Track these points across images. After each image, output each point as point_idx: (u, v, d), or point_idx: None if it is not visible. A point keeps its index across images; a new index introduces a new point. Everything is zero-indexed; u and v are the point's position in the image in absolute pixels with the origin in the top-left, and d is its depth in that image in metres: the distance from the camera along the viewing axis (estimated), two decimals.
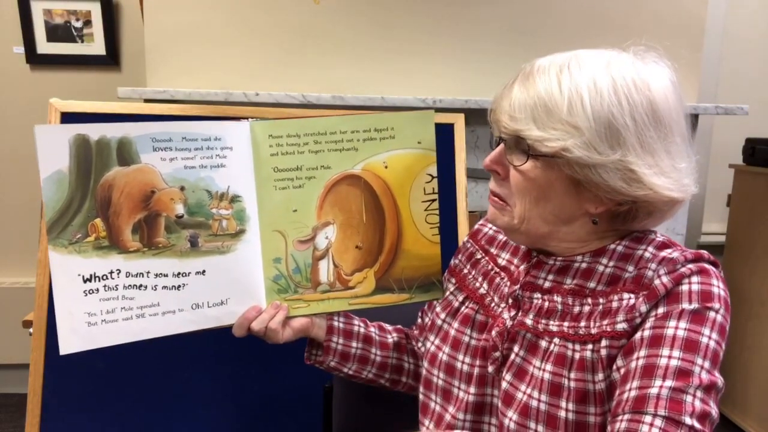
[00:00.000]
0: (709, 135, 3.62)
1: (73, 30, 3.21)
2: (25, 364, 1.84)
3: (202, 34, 2.87)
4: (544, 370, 1.10)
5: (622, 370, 1.03)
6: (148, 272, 1.24)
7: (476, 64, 3.02)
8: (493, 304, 1.24)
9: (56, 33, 3.21)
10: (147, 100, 2.73)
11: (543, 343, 1.12)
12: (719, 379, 0.99)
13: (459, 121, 2.09)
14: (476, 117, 2.91)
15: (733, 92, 3.66)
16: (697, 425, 0.94)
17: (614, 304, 1.07)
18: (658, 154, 1.05)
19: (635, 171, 1.03)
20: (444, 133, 2.03)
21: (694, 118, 3.07)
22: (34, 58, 3.24)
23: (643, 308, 1.04)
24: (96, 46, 3.25)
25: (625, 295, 1.07)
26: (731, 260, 3.33)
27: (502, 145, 1.13)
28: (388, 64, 2.99)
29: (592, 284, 1.12)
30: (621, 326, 1.04)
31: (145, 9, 2.83)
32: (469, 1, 2.96)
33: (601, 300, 1.09)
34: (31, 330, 1.82)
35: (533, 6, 3.01)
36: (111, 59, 3.28)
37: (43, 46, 3.22)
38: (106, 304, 1.22)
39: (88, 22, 3.21)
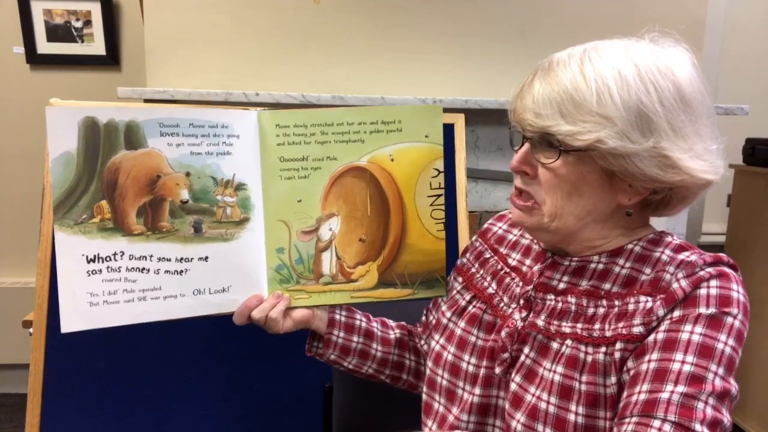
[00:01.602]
0: None
1: (73, 30, 3.21)
2: (25, 364, 1.84)
3: (202, 34, 2.87)
4: (554, 372, 1.08)
5: (632, 372, 1.01)
6: (151, 256, 1.24)
7: (476, 64, 3.03)
8: (502, 305, 1.23)
9: (56, 33, 3.21)
10: (147, 100, 2.73)
11: (555, 345, 1.11)
12: (733, 387, 0.98)
13: (459, 121, 2.09)
14: (476, 117, 2.92)
15: (733, 92, 3.67)
16: None
17: (630, 307, 1.06)
18: (690, 137, 1.04)
19: (670, 157, 1.02)
20: (444, 133, 2.03)
21: None
22: (34, 58, 3.24)
23: (661, 312, 1.02)
24: (96, 46, 3.25)
25: (642, 298, 1.05)
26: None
27: (527, 145, 1.11)
28: (388, 64, 2.99)
29: (607, 286, 1.11)
30: (637, 329, 1.03)
31: (145, 9, 2.83)
32: (469, 1, 2.96)
33: (616, 302, 1.08)
34: (31, 330, 1.82)
35: (533, 6, 3.01)
36: (111, 59, 3.28)
37: (43, 46, 3.22)
38: (109, 285, 1.22)
39: (88, 22, 3.21)
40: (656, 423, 0.93)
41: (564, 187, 1.08)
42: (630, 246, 1.13)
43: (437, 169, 1.32)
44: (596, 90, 1.01)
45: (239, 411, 1.95)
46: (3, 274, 3.46)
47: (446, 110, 2.44)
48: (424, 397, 1.33)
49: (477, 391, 1.20)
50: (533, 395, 1.09)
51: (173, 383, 1.90)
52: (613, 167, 1.03)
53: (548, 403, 1.07)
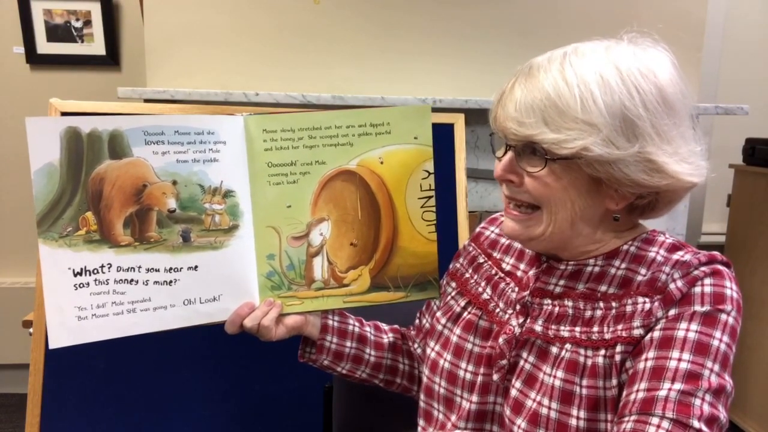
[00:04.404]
0: (709, 135, 3.59)
1: (73, 30, 3.21)
2: (25, 364, 1.84)
3: (202, 34, 2.87)
4: (554, 376, 1.07)
5: (630, 371, 1.02)
6: (140, 267, 1.23)
7: (476, 64, 3.02)
8: (498, 310, 1.22)
9: (56, 33, 3.21)
10: (147, 100, 2.73)
11: (554, 350, 1.10)
12: (729, 383, 0.98)
13: (459, 121, 2.08)
14: (476, 117, 2.91)
15: (733, 92, 3.64)
16: (705, 429, 0.92)
17: (628, 308, 1.06)
18: (675, 141, 1.03)
19: (656, 161, 1.01)
20: (444, 133, 2.02)
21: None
22: (34, 58, 3.24)
23: (660, 313, 1.02)
24: (96, 46, 3.25)
25: (640, 299, 1.05)
26: (731, 260, 3.29)
27: (510, 153, 1.09)
28: (388, 64, 2.99)
29: (603, 288, 1.10)
30: (638, 332, 1.03)
31: (145, 9, 2.83)
32: (469, 1, 2.96)
33: (613, 304, 1.08)
34: (31, 330, 1.81)
35: (533, 6, 3.00)
36: (111, 59, 3.28)
37: (43, 46, 3.23)
38: (97, 299, 1.21)
39: (88, 22, 3.22)
40: (655, 420, 0.94)
41: (553, 196, 1.07)
42: (625, 247, 1.13)
43: (427, 171, 1.31)
44: (579, 96, 1.00)
45: (239, 411, 1.95)
46: (3, 274, 3.47)
47: (446, 110, 2.45)
48: (421, 404, 1.32)
49: (474, 398, 1.19)
50: (534, 401, 1.09)
51: (173, 383, 1.90)
52: (599, 174, 1.03)
53: (549, 408, 1.06)
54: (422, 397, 1.32)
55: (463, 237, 2.04)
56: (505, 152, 1.11)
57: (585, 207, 1.08)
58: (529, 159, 1.07)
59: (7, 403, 3.46)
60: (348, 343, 1.40)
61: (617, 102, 1.00)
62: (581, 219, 1.09)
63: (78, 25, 3.21)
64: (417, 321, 1.48)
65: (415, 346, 1.46)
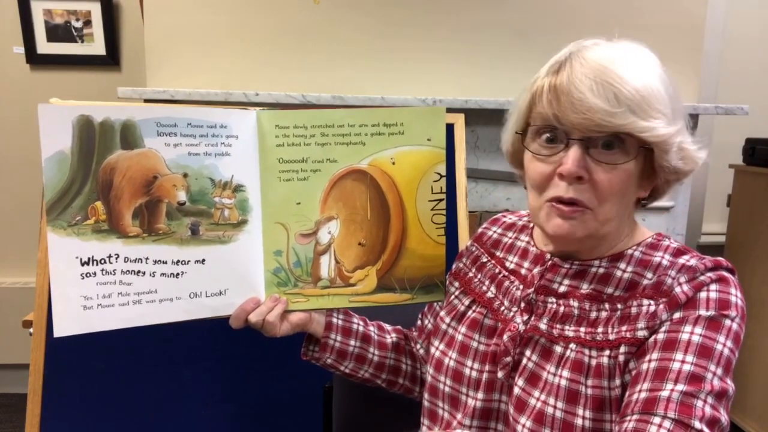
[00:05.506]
0: (709, 135, 3.60)
1: (73, 30, 3.21)
2: (25, 364, 1.83)
3: (202, 34, 2.87)
4: (560, 376, 1.08)
5: (634, 372, 1.02)
6: (147, 258, 1.23)
7: (476, 64, 3.02)
8: (502, 308, 1.22)
9: (56, 33, 3.21)
10: (147, 101, 2.72)
11: (558, 349, 1.10)
12: (730, 387, 0.99)
13: (459, 121, 2.08)
14: (476, 117, 2.91)
15: (733, 92, 3.64)
16: (706, 430, 0.93)
17: (633, 310, 1.06)
18: (689, 129, 1.09)
19: (686, 149, 1.06)
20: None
21: (694, 118, 3.06)
22: (34, 58, 3.24)
23: (665, 316, 1.03)
24: (96, 46, 3.25)
25: (645, 302, 1.06)
26: (731, 260, 3.29)
27: (578, 148, 1.04)
28: (388, 64, 2.99)
29: (609, 290, 1.11)
30: (642, 333, 1.03)
31: (145, 9, 2.83)
32: (469, 1, 2.96)
33: (618, 305, 1.08)
34: (31, 330, 1.81)
35: (533, 7, 3.00)
36: (111, 59, 3.28)
37: (43, 46, 3.22)
38: (103, 289, 1.21)
39: (88, 22, 3.21)
40: (656, 420, 0.94)
41: (625, 188, 1.06)
42: (630, 251, 1.14)
43: (439, 173, 1.31)
44: (651, 86, 1.02)
45: (239, 411, 1.94)
46: (3, 274, 3.46)
47: (446, 110, 2.45)
48: (426, 404, 1.32)
49: (480, 395, 1.19)
50: (538, 399, 1.09)
51: (173, 383, 1.89)
52: (664, 162, 1.06)
53: (555, 407, 1.06)
54: (426, 396, 1.31)
55: (464, 237, 2.03)
56: (563, 148, 1.06)
57: (631, 198, 1.11)
58: (606, 152, 1.04)
59: (7, 403, 3.46)
60: (352, 342, 1.40)
61: (669, 94, 1.04)
62: (624, 211, 1.11)
63: (78, 25, 3.21)
64: (419, 322, 1.48)
65: (418, 347, 1.46)
